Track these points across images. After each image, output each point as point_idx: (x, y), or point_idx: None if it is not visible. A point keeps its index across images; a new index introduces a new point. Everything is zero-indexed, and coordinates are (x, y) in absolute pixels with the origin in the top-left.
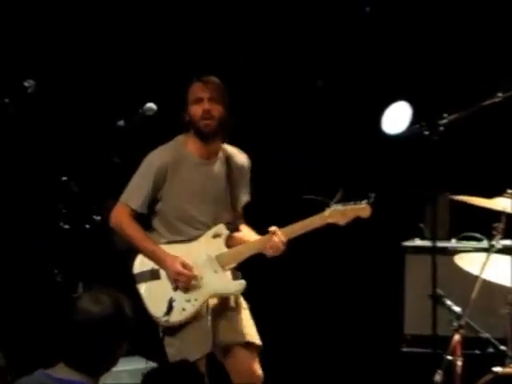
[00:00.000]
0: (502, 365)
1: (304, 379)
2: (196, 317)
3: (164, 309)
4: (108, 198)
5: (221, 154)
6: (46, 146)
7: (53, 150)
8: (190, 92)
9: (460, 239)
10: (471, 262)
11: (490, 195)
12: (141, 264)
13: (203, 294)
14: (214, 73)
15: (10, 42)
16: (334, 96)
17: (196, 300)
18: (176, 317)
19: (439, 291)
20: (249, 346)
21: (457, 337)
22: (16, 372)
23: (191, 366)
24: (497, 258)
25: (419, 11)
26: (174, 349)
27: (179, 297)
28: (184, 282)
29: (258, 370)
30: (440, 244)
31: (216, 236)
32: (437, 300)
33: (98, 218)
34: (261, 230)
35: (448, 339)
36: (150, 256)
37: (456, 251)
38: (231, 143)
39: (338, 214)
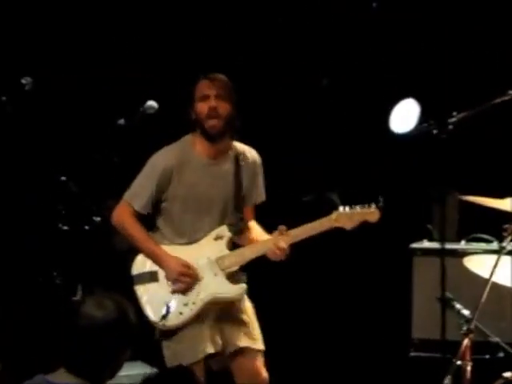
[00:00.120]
0: None
1: (311, 383)
2: (194, 321)
3: (161, 312)
4: (108, 198)
5: (230, 153)
6: (44, 145)
7: (51, 150)
8: (197, 89)
9: (469, 241)
10: (481, 264)
11: (500, 195)
12: (139, 265)
13: (201, 299)
14: (216, 72)
15: (9, 40)
16: (339, 94)
17: (194, 304)
18: (173, 321)
19: (448, 294)
20: (254, 348)
21: (466, 341)
22: (16, 377)
23: (186, 372)
24: (507, 260)
25: (429, 7)
26: (170, 351)
27: (177, 300)
28: (185, 282)
29: (264, 372)
30: (449, 246)
31: (218, 238)
32: (446, 303)
33: (98, 219)
34: (267, 231)
35: (457, 343)
36: (151, 256)
37: (465, 253)
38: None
39: (345, 217)
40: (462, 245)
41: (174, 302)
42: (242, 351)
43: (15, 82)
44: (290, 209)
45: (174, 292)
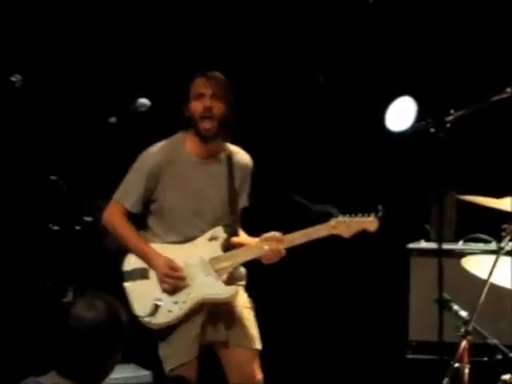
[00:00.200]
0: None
1: None
2: (185, 320)
3: (148, 309)
4: (99, 197)
5: (222, 154)
6: (34, 143)
7: (42, 148)
8: (192, 87)
9: (467, 241)
10: (479, 264)
11: (498, 195)
12: (131, 262)
13: (192, 298)
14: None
15: (8, 39)
16: (335, 91)
17: (184, 303)
18: (161, 318)
19: (446, 295)
20: (249, 348)
21: (464, 343)
22: (7, 380)
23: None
24: (505, 260)
25: (425, 6)
26: (162, 351)
27: (167, 298)
28: (170, 284)
29: (259, 373)
30: (446, 246)
31: (212, 239)
32: (443, 305)
33: (89, 218)
34: (262, 233)
35: (455, 345)
36: (141, 255)
37: (463, 254)
38: (232, 143)
39: (343, 225)
40: (460, 245)
41: (164, 300)
42: (237, 350)
43: (4, 79)
44: (287, 210)
45: (164, 290)
